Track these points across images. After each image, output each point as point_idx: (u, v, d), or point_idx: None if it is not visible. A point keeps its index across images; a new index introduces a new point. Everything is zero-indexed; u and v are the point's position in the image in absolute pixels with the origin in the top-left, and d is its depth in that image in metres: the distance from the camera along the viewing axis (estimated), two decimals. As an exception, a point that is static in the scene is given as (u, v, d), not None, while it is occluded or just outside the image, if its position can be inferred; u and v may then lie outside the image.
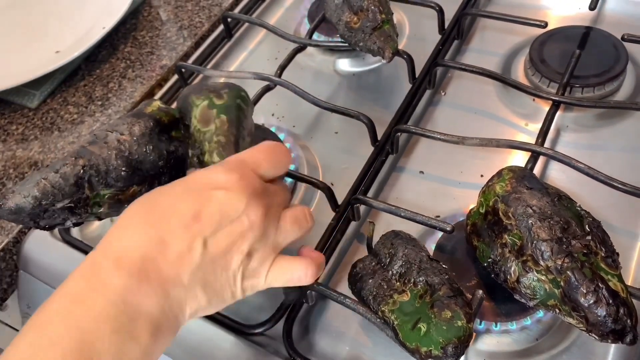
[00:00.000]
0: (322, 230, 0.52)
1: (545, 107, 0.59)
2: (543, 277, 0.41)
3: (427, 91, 0.65)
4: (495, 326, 0.46)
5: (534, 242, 0.41)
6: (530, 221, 0.42)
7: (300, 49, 0.68)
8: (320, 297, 0.51)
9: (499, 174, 0.46)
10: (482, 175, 0.57)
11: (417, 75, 0.64)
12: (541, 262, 0.41)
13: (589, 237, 0.41)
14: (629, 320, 0.38)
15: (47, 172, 0.42)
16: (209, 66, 0.74)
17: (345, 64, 0.71)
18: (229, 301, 0.38)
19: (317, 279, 0.43)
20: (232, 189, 0.36)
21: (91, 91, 0.72)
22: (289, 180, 0.58)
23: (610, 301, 0.38)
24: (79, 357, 0.30)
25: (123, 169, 0.43)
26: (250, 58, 0.76)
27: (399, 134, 0.58)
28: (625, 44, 0.62)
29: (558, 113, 0.58)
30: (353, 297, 0.46)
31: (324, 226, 0.53)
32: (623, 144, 0.58)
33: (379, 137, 0.59)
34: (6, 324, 0.63)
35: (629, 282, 0.48)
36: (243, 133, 0.45)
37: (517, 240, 0.42)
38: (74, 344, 0.30)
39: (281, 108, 0.67)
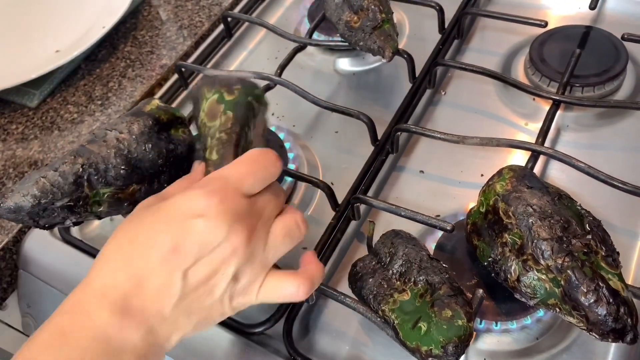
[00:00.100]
0: (322, 230, 0.52)
1: (546, 106, 0.59)
2: (543, 276, 0.41)
3: (427, 91, 0.65)
4: (496, 325, 0.46)
5: (535, 241, 0.41)
6: (530, 220, 0.42)
7: (300, 48, 0.68)
8: (320, 296, 0.51)
9: (500, 173, 0.46)
10: (482, 175, 0.57)
11: (417, 75, 0.63)
12: (541, 261, 0.41)
13: (589, 236, 0.41)
14: (629, 320, 0.38)
15: (46, 170, 0.42)
16: (209, 66, 0.74)
17: (345, 64, 0.71)
18: (219, 320, 0.38)
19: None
20: (212, 215, 0.35)
21: (91, 90, 0.72)
22: (288, 179, 0.58)
23: (611, 300, 0.38)
24: None
25: (122, 167, 0.43)
26: (250, 57, 0.76)
27: (399, 133, 0.58)
28: (625, 43, 0.62)
29: (558, 112, 0.58)
30: (353, 296, 0.46)
31: (324, 225, 0.53)
32: (623, 143, 0.58)
33: (379, 137, 0.59)
34: (6, 324, 0.63)
35: (629, 281, 0.48)
36: (248, 133, 0.44)
37: (517, 240, 0.42)
38: None
39: (281, 107, 0.67)
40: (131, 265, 0.35)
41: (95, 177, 0.43)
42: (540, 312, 0.46)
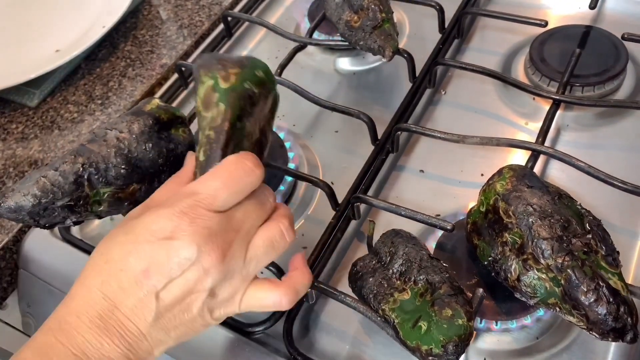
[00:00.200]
0: (323, 229, 0.52)
1: (546, 106, 0.59)
2: (543, 276, 0.41)
3: (428, 90, 0.65)
4: (496, 325, 0.46)
5: (535, 240, 0.41)
6: (530, 220, 0.42)
7: (301, 48, 0.68)
8: (320, 295, 0.51)
9: (500, 172, 0.46)
10: (482, 174, 0.57)
11: (417, 74, 0.63)
12: (542, 261, 0.41)
13: (589, 236, 0.41)
14: (629, 319, 0.38)
15: (46, 170, 0.42)
16: (209, 65, 0.74)
17: (345, 63, 0.71)
18: (202, 330, 0.38)
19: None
20: (181, 236, 0.34)
21: (91, 90, 0.72)
22: (289, 179, 0.58)
23: (611, 299, 0.38)
24: None
25: (122, 166, 0.43)
26: (251, 57, 0.76)
27: (399, 132, 0.58)
28: (626, 43, 0.62)
29: (558, 112, 0.58)
30: (353, 295, 0.46)
31: (324, 225, 0.53)
32: (623, 142, 0.58)
33: (379, 136, 0.59)
34: (6, 323, 0.63)
35: (629, 281, 0.48)
36: (245, 125, 0.40)
37: (517, 239, 0.42)
38: None
39: (281, 107, 0.66)
40: (106, 286, 0.35)
41: (96, 177, 0.43)
42: (541, 312, 0.46)
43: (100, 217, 0.45)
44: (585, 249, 0.40)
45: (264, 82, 0.41)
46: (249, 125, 0.41)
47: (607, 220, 0.47)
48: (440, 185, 0.58)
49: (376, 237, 0.49)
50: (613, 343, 0.45)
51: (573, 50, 0.62)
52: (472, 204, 0.49)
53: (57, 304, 0.36)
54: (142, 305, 0.34)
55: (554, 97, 0.58)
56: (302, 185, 0.59)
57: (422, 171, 0.59)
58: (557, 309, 0.41)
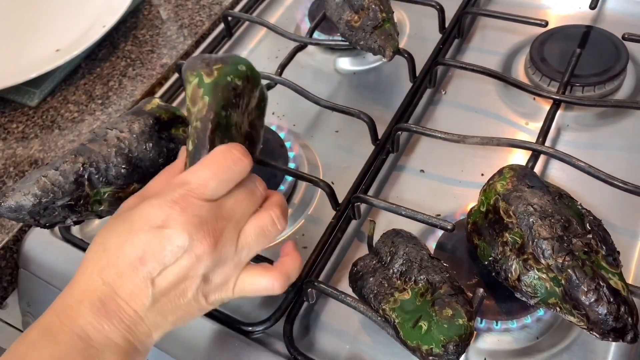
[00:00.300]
0: (323, 229, 0.52)
1: (546, 106, 0.59)
2: (544, 276, 0.41)
3: (428, 90, 0.65)
4: (496, 324, 0.46)
5: (535, 240, 0.41)
6: (531, 219, 0.42)
7: (301, 47, 0.68)
8: (320, 295, 0.51)
9: (500, 172, 0.46)
10: (482, 174, 0.57)
11: (417, 74, 0.64)
12: (542, 261, 0.41)
13: (589, 236, 0.41)
14: (629, 319, 0.38)
15: (47, 169, 0.42)
16: (209, 65, 0.74)
17: (345, 63, 0.71)
18: (198, 315, 0.40)
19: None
20: (173, 225, 0.36)
21: (91, 89, 0.72)
22: (289, 178, 0.58)
23: (611, 299, 0.38)
24: None
25: (123, 166, 0.43)
26: (251, 57, 0.76)
27: (399, 132, 0.58)
28: (626, 43, 0.62)
29: (558, 112, 0.58)
30: (354, 295, 0.46)
31: (324, 225, 0.53)
32: (623, 142, 0.58)
33: (380, 136, 0.59)
34: (6, 322, 0.63)
35: (629, 281, 0.48)
36: (232, 116, 0.41)
37: (518, 239, 0.42)
38: None
39: (282, 107, 0.67)
40: (105, 272, 0.36)
41: (96, 176, 0.43)
42: (541, 312, 0.46)
43: (100, 217, 0.45)
44: (586, 249, 0.40)
45: (248, 76, 0.43)
46: (236, 116, 0.41)
47: (608, 220, 0.47)
48: (440, 185, 0.58)
49: (376, 237, 0.49)
50: (613, 343, 0.45)
51: (573, 50, 0.62)
52: (473, 203, 0.49)
53: (56, 298, 0.37)
54: (138, 290, 0.36)
55: (554, 97, 0.58)
56: (302, 185, 0.59)
57: (422, 171, 0.59)
58: (558, 309, 0.41)
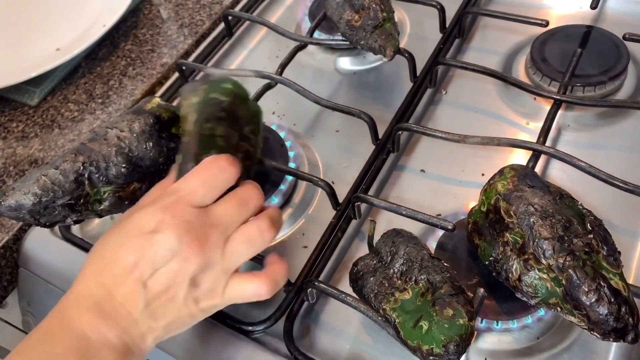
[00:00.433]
0: (323, 229, 0.52)
1: (547, 106, 0.59)
2: (545, 276, 0.41)
3: (428, 90, 0.65)
4: (497, 324, 0.46)
5: (536, 240, 0.41)
6: (532, 219, 0.42)
7: (301, 47, 0.68)
8: (321, 295, 0.51)
9: (501, 172, 0.46)
10: (483, 174, 0.57)
11: (418, 74, 0.63)
12: (543, 261, 0.41)
13: (590, 236, 0.41)
14: (630, 319, 0.38)
15: (47, 169, 0.42)
16: (209, 64, 0.74)
17: (346, 63, 0.71)
18: (190, 323, 0.41)
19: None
20: (164, 230, 0.38)
21: (91, 89, 0.72)
22: (289, 178, 0.58)
23: (612, 300, 0.38)
24: None
25: (123, 165, 0.43)
26: (251, 56, 0.76)
27: (400, 132, 0.58)
28: (627, 43, 0.62)
29: (559, 112, 0.58)
30: (354, 295, 0.46)
31: (324, 224, 0.53)
32: (624, 142, 0.58)
33: (380, 136, 0.59)
34: (6, 322, 0.63)
35: (630, 281, 0.48)
36: (217, 129, 0.43)
37: (518, 239, 0.42)
38: None
39: (282, 106, 0.67)
40: (101, 276, 0.39)
41: (96, 176, 0.43)
42: (541, 312, 0.46)
43: (100, 216, 0.45)
44: (587, 249, 0.40)
45: (233, 92, 0.45)
46: (222, 129, 0.43)
47: (608, 220, 0.47)
48: (441, 185, 0.58)
49: (377, 237, 0.48)
50: (614, 343, 0.45)
51: (574, 50, 0.61)
52: (473, 203, 0.49)
53: (57, 303, 0.39)
54: (132, 293, 0.38)
55: (555, 97, 0.58)
56: (302, 185, 0.59)
57: (423, 171, 0.59)
58: (558, 309, 0.41)
